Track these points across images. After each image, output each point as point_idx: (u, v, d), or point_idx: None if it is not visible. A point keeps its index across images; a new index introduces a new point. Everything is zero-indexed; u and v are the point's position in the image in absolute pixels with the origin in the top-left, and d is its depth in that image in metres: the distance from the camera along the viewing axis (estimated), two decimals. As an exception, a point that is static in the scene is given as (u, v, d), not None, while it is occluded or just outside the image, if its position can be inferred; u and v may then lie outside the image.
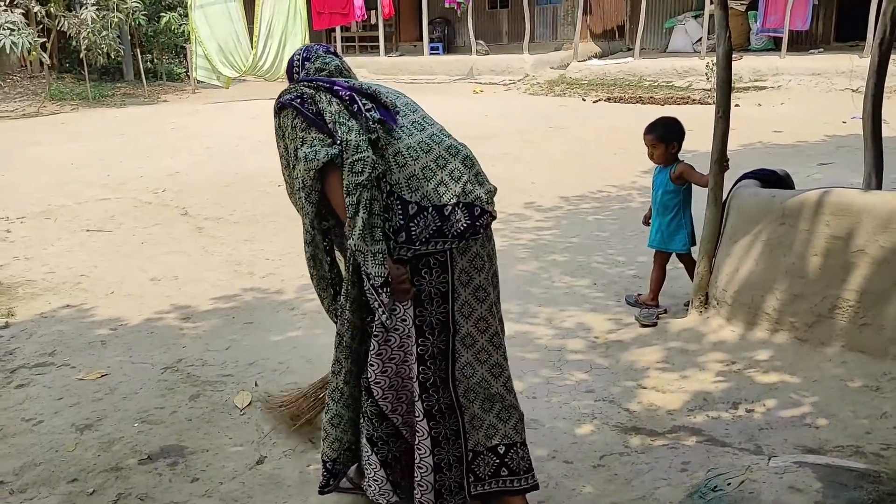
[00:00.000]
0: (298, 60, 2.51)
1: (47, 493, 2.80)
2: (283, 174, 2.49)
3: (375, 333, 2.33)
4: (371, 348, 2.35)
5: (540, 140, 10.36)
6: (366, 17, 20.35)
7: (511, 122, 12.07)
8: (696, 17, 18.03)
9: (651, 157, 4.25)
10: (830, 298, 3.48)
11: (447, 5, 19.45)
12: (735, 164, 4.33)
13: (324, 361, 3.78)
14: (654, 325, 4.06)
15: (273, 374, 3.70)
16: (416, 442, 2.40)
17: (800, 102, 12.96)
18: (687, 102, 13.76)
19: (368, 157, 2.18)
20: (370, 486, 2.48)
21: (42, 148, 10.98)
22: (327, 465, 2.55)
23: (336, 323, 2.43)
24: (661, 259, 4.37)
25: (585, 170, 8.41)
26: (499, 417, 2.45)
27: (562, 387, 3.49)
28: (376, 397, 2.39)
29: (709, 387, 3.40)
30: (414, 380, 2.36)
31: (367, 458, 2.46)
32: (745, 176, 4.20)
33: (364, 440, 2.45)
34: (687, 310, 4.13)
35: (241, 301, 4.81)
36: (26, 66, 20.28)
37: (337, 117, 2.25)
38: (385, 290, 2.20)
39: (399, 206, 2.23)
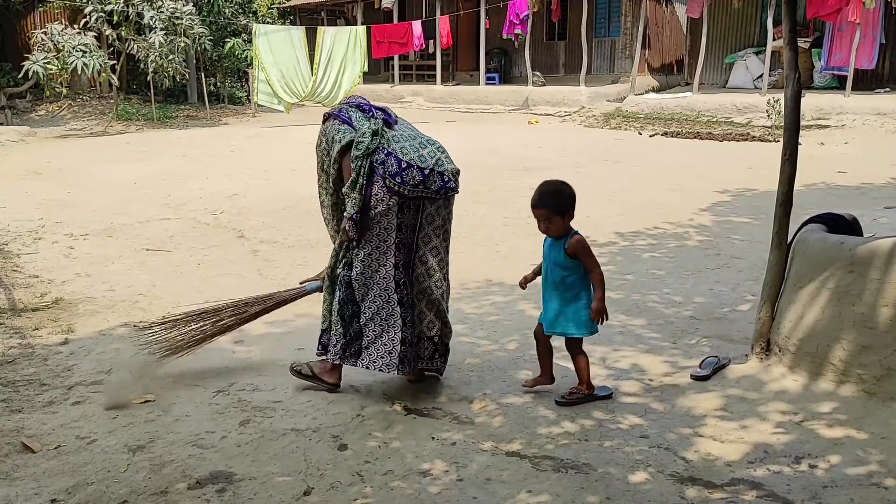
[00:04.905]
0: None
1: (98, 514, 2.81)
2: (318, 170, 3.74)
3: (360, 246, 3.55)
4: (356, 255, 3.55)
5: (595, 174, 10.28)
6: (424, 46, 20.64)
7: (566, 154, 12.02)
8: (757, 53, 17.80)
9: (546, 231, 3.56)
10: (901, 351, 3.32)
11: (505, 36, 19.60)
12: (798, 205, 4.17)
13: (376, 392, 3.79)
14: (712, 375, 3.93)
15: (322, 403, 3.70)
16: (392, 323, 3.55)
17: (864, 142, 12.63)
18: (746, 139, 13.55)
19: (366, 141, 3.42)
20: (332, 349, 3.68)
21: (108, 166, 11.34)
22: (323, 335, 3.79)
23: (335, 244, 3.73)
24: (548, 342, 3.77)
25: (641, 205, 8.28)
26: (437, 317, 3.68)
27: (614, 430, 3.39)
28: (354, 288, 3.57)
29: (769, 438, 3.27)
30: (391, 280, 3.52)
31: (335, 331, 3.64)
32: (812, 220, 4.06)
33: (336, 317, 3.62)
34: (747, 356, 4.00)
35: (292, 326, 4.83)
36: (96, 86, 21.08)
37: (357, 119, 3.55)
38: (353, 222, 3.44)
39: (395, 162, 3.41)
